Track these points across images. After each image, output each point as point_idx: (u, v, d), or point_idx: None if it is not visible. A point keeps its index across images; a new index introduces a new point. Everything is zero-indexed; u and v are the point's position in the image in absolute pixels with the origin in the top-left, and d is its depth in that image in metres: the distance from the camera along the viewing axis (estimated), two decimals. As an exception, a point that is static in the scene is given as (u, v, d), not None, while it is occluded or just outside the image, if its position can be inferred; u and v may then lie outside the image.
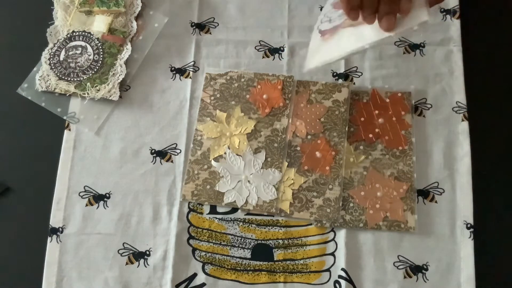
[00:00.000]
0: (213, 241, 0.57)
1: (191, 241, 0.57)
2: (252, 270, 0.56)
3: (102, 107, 0.63)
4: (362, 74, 0.63)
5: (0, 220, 0.59)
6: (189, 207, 0.58)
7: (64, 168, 0.60)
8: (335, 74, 0.64)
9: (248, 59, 0.65)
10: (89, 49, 0.65)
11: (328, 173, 0.58)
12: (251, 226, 0.57)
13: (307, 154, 0.59)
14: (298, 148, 0.60)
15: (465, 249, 0.55)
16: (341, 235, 0.56)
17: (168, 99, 0.63)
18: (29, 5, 0.70)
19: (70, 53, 0.65)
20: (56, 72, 0.64)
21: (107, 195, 0.59)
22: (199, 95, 0.63)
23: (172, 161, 0.60)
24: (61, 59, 0.65)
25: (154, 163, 0.60)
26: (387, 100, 0.61)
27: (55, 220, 0.58)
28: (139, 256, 0.57)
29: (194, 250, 0.57)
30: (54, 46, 0.65)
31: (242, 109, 0.62)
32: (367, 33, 0.46)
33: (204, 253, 0.56)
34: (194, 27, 0.67)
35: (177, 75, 0.65)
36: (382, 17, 0.44)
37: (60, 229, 0.57)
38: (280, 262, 0.56)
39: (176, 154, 0.61)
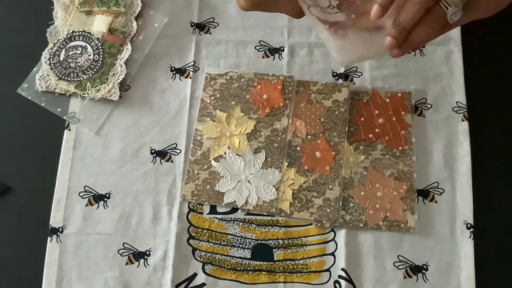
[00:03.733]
0: (213, 241, 0.57)
1: (191, 241, 0.57)
2: (252, 270, 0.56)
3: (102, 107, 0.63)
4: (362, 74, 0.63)
5: (0, 220, 0.59)
6: (189, 207, 0.58)
7: (64, 168, 0.60)
8: (335, 74, 0.64)
9: (248, 59, 0.65)
10: (89, 49, 0.65)
11: (328, 173, 0.58)
12: (251, 226, 0.57)
13: (307, 154, 0.59)
14: (298, 148, 0.60)
15: (465, 249, 0.55)
16: (341, 235, 0.56)
17: (168, 99, 0.63)
18: (29, 5, 0.70)
19: (70, 53, 0.65)
20: (56, 72, 0.64)
21: (107, 195, 0.59)
22: (199, 95, 0.63)
23: (172, 161, 0.60)
24: (61, 59, 0.65)
25: (154, 163, 0.60)
26: (387, 100, 0.61)
27: (55, 220, 0.58)
28: (139, 256, 0.57)
29: (194, 250, 0.57)
30: (54, 46, 0.65)
31: (242, 109, 0.62)
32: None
33: (204, 253, 0.56)
34: (194, 27, 0.67)
35: (177, 75, 0.65)
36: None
37: (60, 229, 0.57)
38: (280, 262, 0.56)
39: (176, 154, 0.61)
